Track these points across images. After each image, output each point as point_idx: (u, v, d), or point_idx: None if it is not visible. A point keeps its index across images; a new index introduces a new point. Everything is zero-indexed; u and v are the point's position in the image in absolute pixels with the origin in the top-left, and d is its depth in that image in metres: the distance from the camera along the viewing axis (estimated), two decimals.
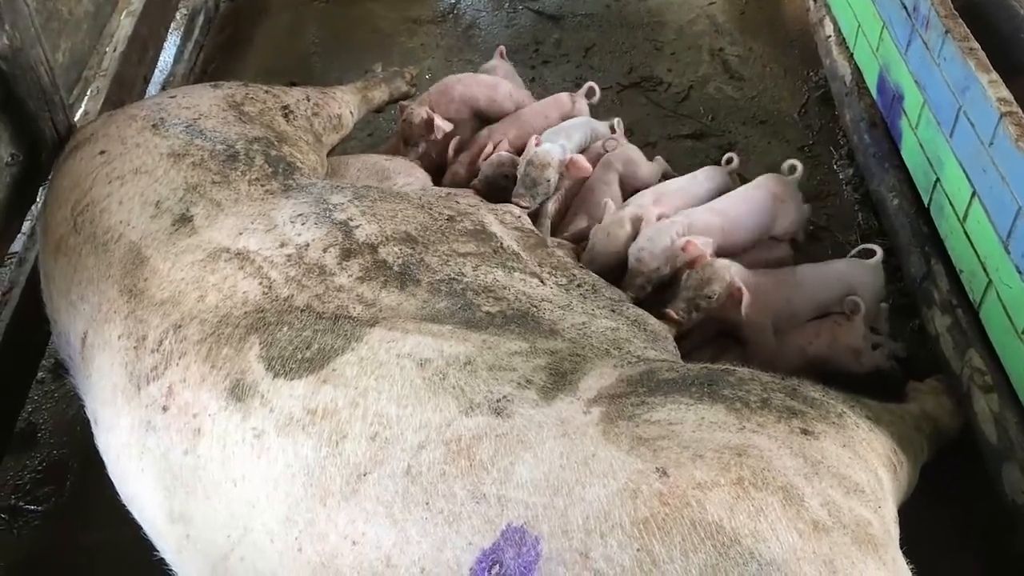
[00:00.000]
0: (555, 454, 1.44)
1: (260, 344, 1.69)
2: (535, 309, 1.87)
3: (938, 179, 2.33)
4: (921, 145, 2.43)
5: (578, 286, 2.08)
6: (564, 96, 2.93)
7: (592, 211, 2.54)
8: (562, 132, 2.68)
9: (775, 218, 2.47)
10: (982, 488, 2.03)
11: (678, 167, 2.79)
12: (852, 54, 3.00)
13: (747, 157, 3.00)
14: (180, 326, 1.75)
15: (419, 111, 2.75)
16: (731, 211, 2.43)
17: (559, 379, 1.64)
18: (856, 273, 2.35)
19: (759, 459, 1.41)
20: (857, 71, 2.94)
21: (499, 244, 2.07)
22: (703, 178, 2.58)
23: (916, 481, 1.79)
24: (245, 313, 1.75)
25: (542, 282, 2.01)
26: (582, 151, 2.72)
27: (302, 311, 1.75)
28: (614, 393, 1.60)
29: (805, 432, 1.52)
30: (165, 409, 1.68)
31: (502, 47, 3.15)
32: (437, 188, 2.48)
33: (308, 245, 1.89)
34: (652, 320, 2.04)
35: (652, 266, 2.28)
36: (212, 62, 3.49)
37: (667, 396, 1.58)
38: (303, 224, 1.94)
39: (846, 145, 2.96)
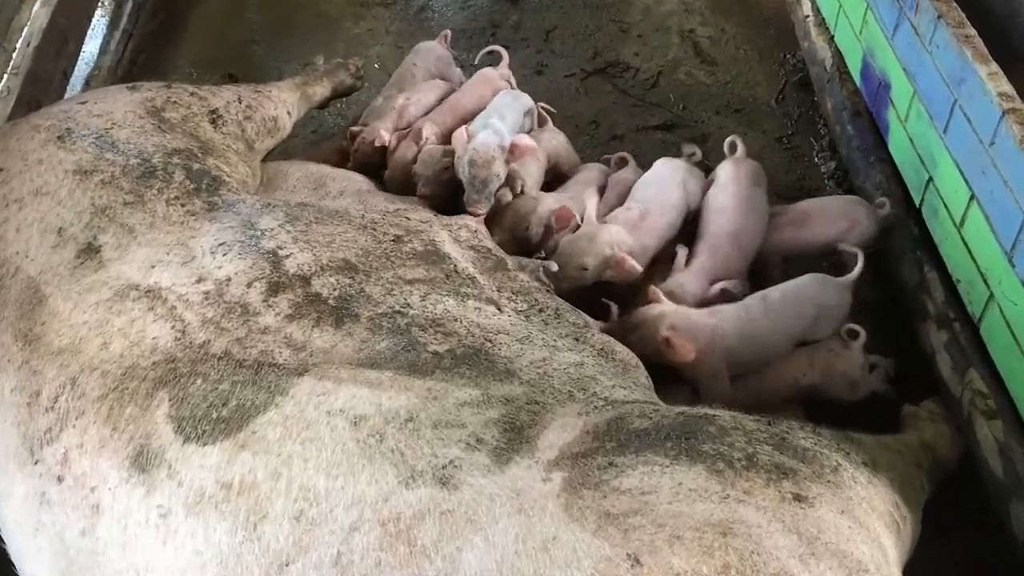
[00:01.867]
0: (510, 537, 1.24)
1: (169, 401, 1.47)
2: (489, 344, 1.66)
3: (931, 178, 2.13)
4: (911, 140, 2.23)
5: (540, 311, 1.86)
6: (489, 71, 2.70)
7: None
8: (494, 112, 2.42)
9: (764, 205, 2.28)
10: (985, 520, 1.85)
11: (647, 162, 2.55)
12: (832, 36, 2.79)
13: (721, 149, 2.77)
14: (78, 379, 1.52)
15: (381, 135, 2.50)
16: (734, 218, 2.22)
17: (515, 435, 1.43)
18: (827, 292, 2.10)
19: (747, 539, 1.21)
20: (838, 55, 2.73)
21: (452, 267, 1.84)
22: (670, 179, 2.30)
23: (919, 531, 1.60)
24: (154, 363, 1.53)
25: (499, 309, 1.79)
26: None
27: (219, 359, 1.53)
28: (578, 451, 1.39)
29: (798, 498, 1.32)
30: (60, 480, 1.46)
31: (447, 32, 2.88)
32: (384, 199, 2.23)
33: (230, 280, 1.66)
34: (619, 347, 1.83)
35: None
36: (142, 52, 3.20)
37: (639, 455, 1.38)
38: (225, 255, 1.71)
39: (827, 135, 2.76)
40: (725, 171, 2.31)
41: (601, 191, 2.40)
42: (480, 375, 1.56)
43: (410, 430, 1.41)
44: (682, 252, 2.21)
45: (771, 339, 2.05)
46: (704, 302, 2.11)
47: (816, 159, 2.73)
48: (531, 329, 1.76)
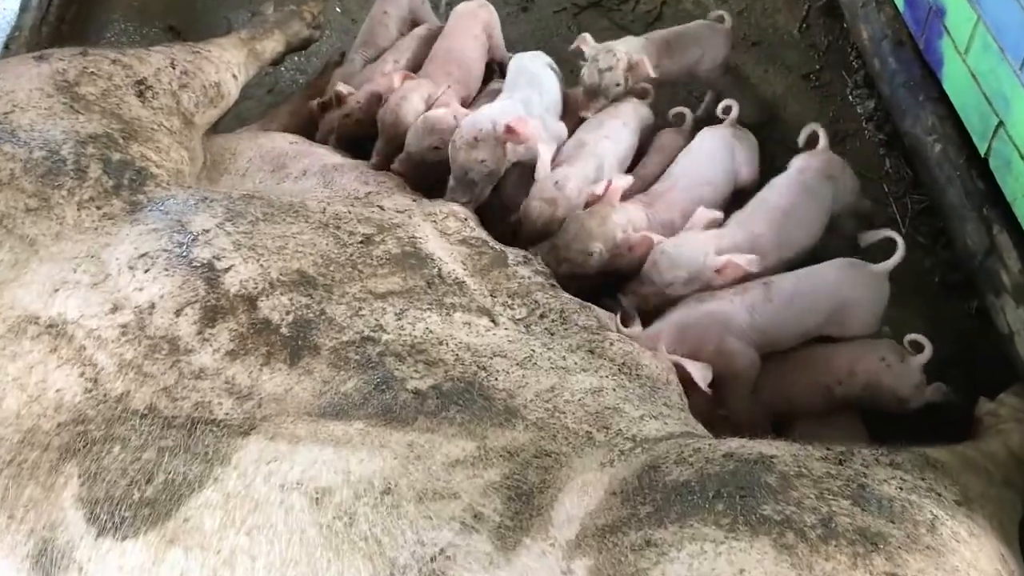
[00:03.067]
0: None
1: (79, 477, 1.16)
2: (484, 373, 1.33)
3: (1001, 123, 1.78)
4: (974, 77, 1.87)
5: (542, 316, 1.53)
6: (467, 5, 2.31)
7: None
8: (523, 82, 2.04)
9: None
10: None
11: (658, 110, 2.20)
12: None
13: (740, 90, 2.42)
14: None
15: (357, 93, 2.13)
16: (782, 202, 1.83)
17: (522, 506, 1.12)
18: (853, 283, 1.74)
19: None
20: None
21: (436, 271, 1.51)
22: (710, 151, 1.95)
23: None
24: (59, 425, 1.21)
25: (494, 322, 1.46)
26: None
27: (142, 417, 1.22)
28: (605, 524, 1.09)
29: None
30: None
31: None
32: (354, 178, 1.87)
33: (153, 305, 1.33)
34: (645, 358, 1.50)
35: (667, 280, 1.74)
36: (71, 5, 2.79)
37: (683, 525, 1.07)
38: (147, 270, 1.37)
39: (862, 69, 2.39)
40: (795, 163, 1.93)
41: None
42: (474, 419, 1.24)
43: (388, 507, 1.10)
44: (703, 212, 1.83)
45: (772, 332, 1.71)
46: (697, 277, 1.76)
47: (851, 97, 2.36)
48: (534, 344, 1.43)
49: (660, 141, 2.11)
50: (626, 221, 1.76)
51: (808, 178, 1.86)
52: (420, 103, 2.01)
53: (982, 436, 1.61)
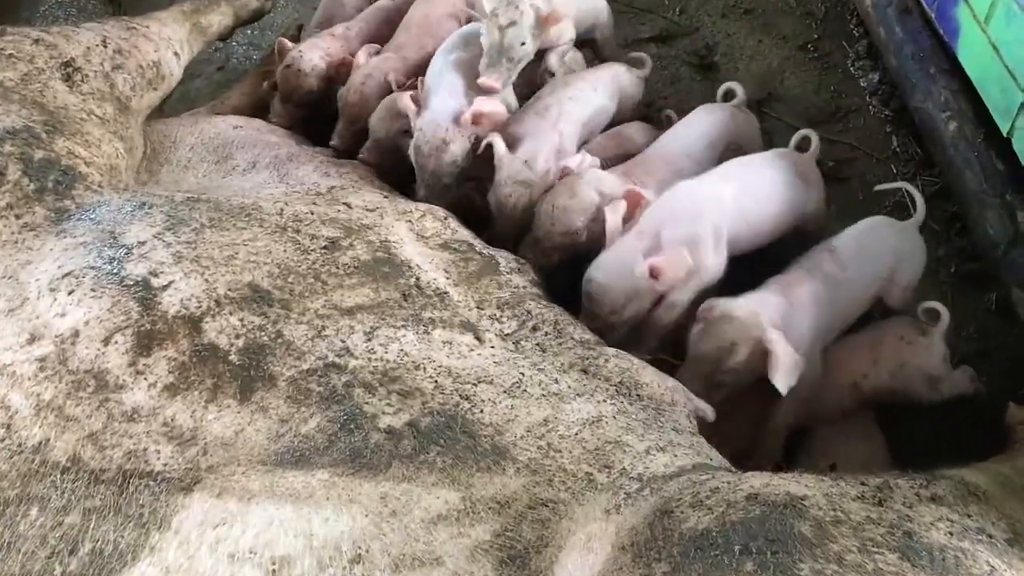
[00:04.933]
0: None
1: None
2: (467, 404, 1.16)
3: None
4: (995, 48, 1.70)
5: (534, 329, 1.35)
6: None
7: None
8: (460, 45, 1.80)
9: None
10: None
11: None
12: None
13: (732, 63, 2.25)
14: None
15: (310, 56, 1.93)
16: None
17: (518, 571, 0.97)
18: (898, 236, 1.60)
19: None
20: None
21: (413, 281, 1.32)
22: (701, 126, 1.77)
23: None
24: None
25: (478, 339, 1.28)
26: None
27: (64, 472, 1.03)
28: None
29: None
30: None
31: None
32: (313, 168, 1.67)
33: (77, 334, 1.13)
34: (645, 375, 1.33)
35: (609, 309, 1.49)
36: None
37: None
38: (70, 293, 1.17)
39: (863, 38, 2.22)
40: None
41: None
42: (457, 463, 1.06)
43: None
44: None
45: (849, 301, 1.55)
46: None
47: (853, 70, 2.19)
48: (523, 366, 1.25)
49: (621, 129, 1.89)
50: (595, 180, 1.57)
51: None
52: (386, 80, 1.82)
53: (1017, 449, 1.46)
